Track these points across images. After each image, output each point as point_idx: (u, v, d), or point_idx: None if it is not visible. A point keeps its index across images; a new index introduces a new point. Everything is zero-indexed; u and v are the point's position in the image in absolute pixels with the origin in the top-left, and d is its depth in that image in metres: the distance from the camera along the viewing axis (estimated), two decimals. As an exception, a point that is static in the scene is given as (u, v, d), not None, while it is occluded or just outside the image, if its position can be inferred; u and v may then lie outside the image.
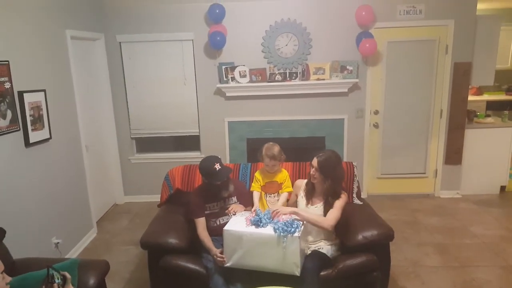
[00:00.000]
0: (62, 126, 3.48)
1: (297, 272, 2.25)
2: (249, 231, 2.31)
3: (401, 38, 4.48)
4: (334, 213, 2.47)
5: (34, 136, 3.00)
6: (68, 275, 1.38)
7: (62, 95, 3.51)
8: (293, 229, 2.22)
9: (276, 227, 2.24)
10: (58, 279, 1.35)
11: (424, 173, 4.85)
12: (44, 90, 3.16)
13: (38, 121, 3.06)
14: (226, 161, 4.71)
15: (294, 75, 4.46)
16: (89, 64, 4.29)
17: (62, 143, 3.47)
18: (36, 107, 3.04)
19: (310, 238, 2.55)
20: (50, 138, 3.25)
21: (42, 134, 3.13)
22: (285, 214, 2.40)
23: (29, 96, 2.94)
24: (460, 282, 3.01)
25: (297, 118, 4.66)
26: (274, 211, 2.43)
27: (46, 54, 3.28)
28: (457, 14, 4.37)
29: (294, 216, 2.38)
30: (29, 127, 2.94)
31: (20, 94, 2.85)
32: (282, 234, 2.22)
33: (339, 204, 2.51)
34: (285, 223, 2.25)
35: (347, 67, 4.39)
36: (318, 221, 2.43)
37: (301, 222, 2.31)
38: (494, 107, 6.52)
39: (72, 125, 3.69)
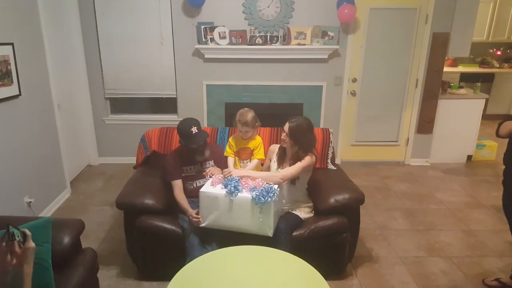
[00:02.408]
0: (32, 82, 3.33)
1: (270, 233, 2.32)
2: (225, 193, 2.33)
3: (383, 5, 4.44)
4: (289, 169, 2.50)
5: (2, 92, 2.88)
6: (28, 232, 1.36)
7: (31, 50, 3.34)
8: (268, 198, 2.25)
9: (253, 196, 2.27)
10: (18, 236, 1.33)
11: (396, 141, 4.99)
12: (12, 44, 2.99)
13: (6, 76, 2.91)
14: (204, 125, 4.67)
15: (275, 38, 4.38)
16: (61, 18, 4.06)
17: (32, 101, 3.33)
18: (4, 62, 2.89)
19: (284, 201, 2.61)
20: (20, 94, 3.12)
21: (11, 90, 2.99)
22: (238, 175, 2.41)
23: (-5, 49, 2.78)
24: (424, 244, 3.20)
25: (277, 84, 4.63)
26: (225, 172, 2.44)
27: (13, 5, 3.07)
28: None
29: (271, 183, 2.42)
30: (-4, 83, 2.81)
31: (-15, 46, 2.69)
32: (258, 204, 2.25)
33: (299, 164, 2.51)
34: (261, 190, 2.27)
35: (329, 32, 4.34)
36: (267, 177, 2.43)
37: (277, 188, 2.34)
38: (467, 79, 6.70)
39: (43, 82, 3.54)
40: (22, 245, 1.33)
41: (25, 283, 1.34)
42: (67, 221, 2.19)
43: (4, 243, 1.31)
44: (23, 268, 1.33)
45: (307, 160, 2.55)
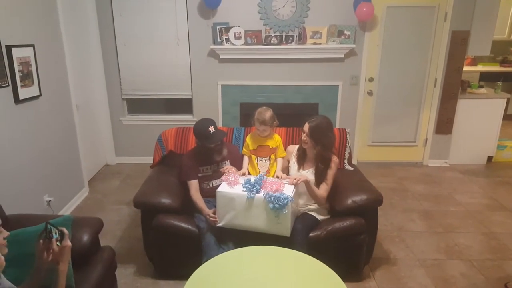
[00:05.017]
0: (52, 83, 3.40)
1: (287, 233, 2.31)
2: (241, 193, 2.33)
3: (400, 3, 4.37)
4: (326, 186, 2.56)
5: (23, 93, 2.94)
6: (65, 231, 1.38)
7: (51, 52, 3.40)
8: (283, 204, 2.24)
9: (270, 206, 2.25)
10: (56, 234, 1.35)
11: (414, 142, 4.91)
12: (33, 46, 3.06)
13: (27, 77, 2.98)
14: (219, 125, 4.68)
15: (291, 38, 4.36)
16: (79, 20, 4.13)
17: (52, 101, 3.40)
18: (25, 63, 2.95)
19: (301, 201, 2.60)
20: (40, 95, 3.18)
21: (32, 91, 3.06)
22: (303, 181, 2.45)
23: (17, 51, 2.83)
24: (443, 246, 3.13)
25: (291, 84, 4.61)
26: (295, 179, 2.43)
27: (34, 8, 3.14)
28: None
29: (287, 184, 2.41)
30: (18, 84, 2.86)
31: (8, 48, 2.74)
32: (274, 207, 2.25)
33: (330, 174, 2.56)
34: (274, 198, 2.25)
35: (345, 31, 4.30)
36: (317, 195, 2.53)
37: (292, 195, 2.32)
38: (487, 78, 6.54)
39: (62, 83, 3.60)
40: (59, 243, 1.34)
41: (59, 281, 1.36)
42: (86, 220, 2.22)
43: (41, 241, 1.33)
44: (59, 266, 1.35)
45: (334, 168, 2.58)
